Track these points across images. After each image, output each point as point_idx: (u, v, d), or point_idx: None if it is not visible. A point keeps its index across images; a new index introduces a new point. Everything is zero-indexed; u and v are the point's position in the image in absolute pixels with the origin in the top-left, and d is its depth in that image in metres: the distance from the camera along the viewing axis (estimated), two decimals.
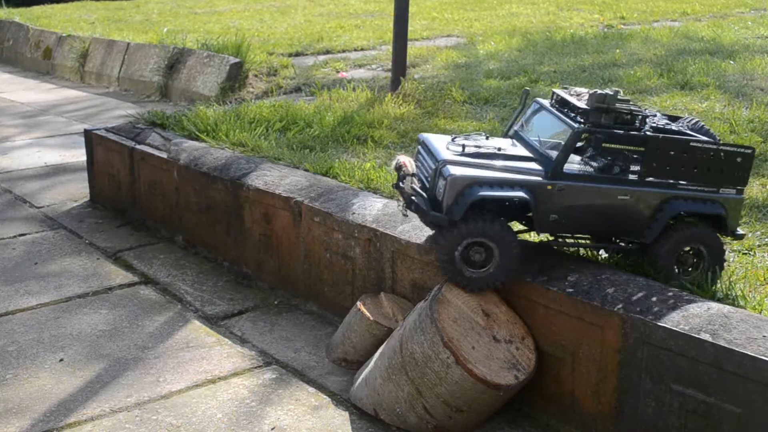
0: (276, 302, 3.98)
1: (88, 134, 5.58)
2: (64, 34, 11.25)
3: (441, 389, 2.74)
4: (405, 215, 3.08)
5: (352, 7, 13.09)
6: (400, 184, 2.92)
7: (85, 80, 10.43)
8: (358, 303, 3.33)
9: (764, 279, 2.87)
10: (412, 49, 7.83)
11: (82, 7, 14.96)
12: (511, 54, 7.55)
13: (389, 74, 6.29)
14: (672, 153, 2.81)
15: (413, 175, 2.91)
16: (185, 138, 4.97)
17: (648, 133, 2.83)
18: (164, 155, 4.77)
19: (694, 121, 3.03)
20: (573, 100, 2.92)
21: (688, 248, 2.89)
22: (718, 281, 2.86)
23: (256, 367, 3.36)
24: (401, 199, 2.97)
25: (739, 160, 2.85)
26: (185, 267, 4.42)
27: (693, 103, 5.24)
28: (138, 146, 5.03)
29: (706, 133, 2.97)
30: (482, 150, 2.89)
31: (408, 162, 2.96)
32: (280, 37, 9.79)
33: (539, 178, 2.80)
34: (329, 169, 4.14)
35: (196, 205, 4.54)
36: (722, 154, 2.83)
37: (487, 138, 3.00)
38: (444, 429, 2.84)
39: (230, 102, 6.63)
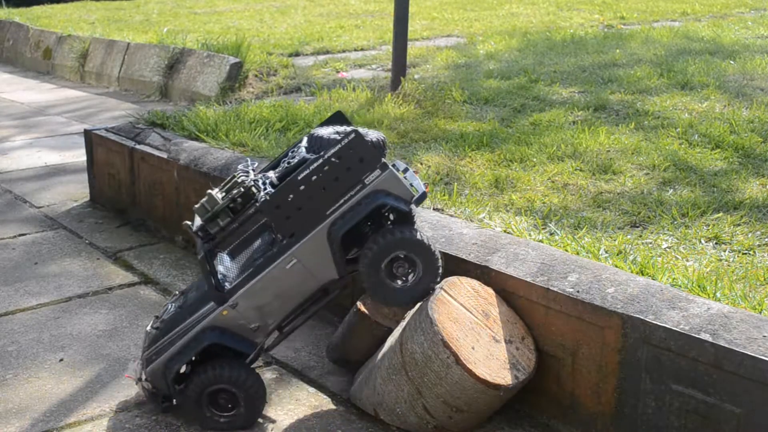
0: None
1: (88, 134, 5.58)
2: (64, 34, 11.25)
3: (441, 389, 2.74)
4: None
5: (352, 7, 13.09)
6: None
7: (85, 80, 10.43)
8: (358, 303, 3.32)
9: (764, 279, 2.87)
10: (412, 49, 7.83)
11: (82, 7, 14.96)
12: (511, 54, 7.55)
13: (389, 74, 6.29)
14: (291, 198, 2.72)
15: (139, 380, 3.00)
16: (185, 138, 4.97)
17: (258, 202, 2.77)
18: (164, 155, 4.77)
19: (312, 133, 2.93)
20: (195, 222, 2.91)
21: (394, 259, 2.80)
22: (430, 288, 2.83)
23: (255, 368, 3.35)
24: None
25: (351, 151, 2.72)
26: (185, 267, 4.42)
27: (693, 103, 5.24)
28: (138, 146, 5.03)
29: (322, 141, 2.84)
30: (165, 321, 2.95)
31: (132, 371, 3.06)
32: (280, 37, 9.80)
33: (214, 312, 2.83)
34: None
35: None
36: (333, 159, 2.71)
37: (183, 295, 3.07)
38: (444, 429, 2.84)
39: (230, 102, 6.63)
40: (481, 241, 3.13)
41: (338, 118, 3.04)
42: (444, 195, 3.70)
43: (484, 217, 3.42)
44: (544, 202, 3.68)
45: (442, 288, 2.87)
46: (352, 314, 3.34)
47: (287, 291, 2.85)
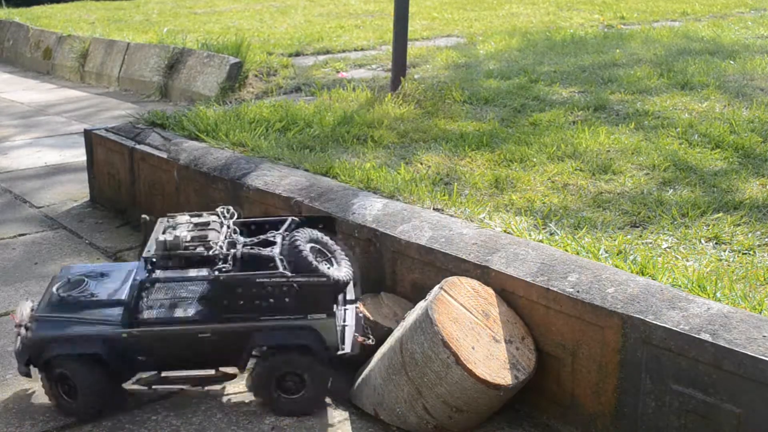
0: None
1: (88, 134, 5.58)
2: (64, 34, 11.25)
3: (441, 389, 2.74)
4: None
5: (352, 7, 13.09)
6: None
7: (85, 80, 10.43)
8: (358, 303, 3.33)
9: (764, 279, 2.87)
10: (412, 49, 7.83)
11: (82, 7, 14.96)
12: (511, 54, 7.55)
13: (389, 74, 6.29)
14: (240, 290, 2.83)
15: (20, 325, 2.99)
16: (185, 138, 4.97)
17: (215, 272, 2.83)
18: (164, 155, 4.77)
19: (293, 239, 2.96)
20: (151, 242, 2.98)
21: (286, 374, 2.92)
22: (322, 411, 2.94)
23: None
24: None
25: (313, 289, 2.85)
26: None
27: (693, 103, 5.24)
28: (138, 146, 5.03)
29: (297, 256, 2.89)
30: (78, 296, 2.99)
31: (20, 313, 3.03)
32: (280, 37, 9.80)
33: (115, 328, 2.89)
34: (329, 169, 4.13)
35: (196, 205, 4.54)
36: (294, 285, 2.83)
37: (105, 276, 3.12)
38: (444, 429, 2.84)
39: (230, 102, 6.63)
40: (481, 241, 3.13)
41: (328, 224, 3.16)
42: (444, 195, 3.70)
43: (484, 217, 3.42)
44: (544, 202, 3.68)
45: (442, 288, 2.87)
46: None
47: (185, 351, 2.93)
